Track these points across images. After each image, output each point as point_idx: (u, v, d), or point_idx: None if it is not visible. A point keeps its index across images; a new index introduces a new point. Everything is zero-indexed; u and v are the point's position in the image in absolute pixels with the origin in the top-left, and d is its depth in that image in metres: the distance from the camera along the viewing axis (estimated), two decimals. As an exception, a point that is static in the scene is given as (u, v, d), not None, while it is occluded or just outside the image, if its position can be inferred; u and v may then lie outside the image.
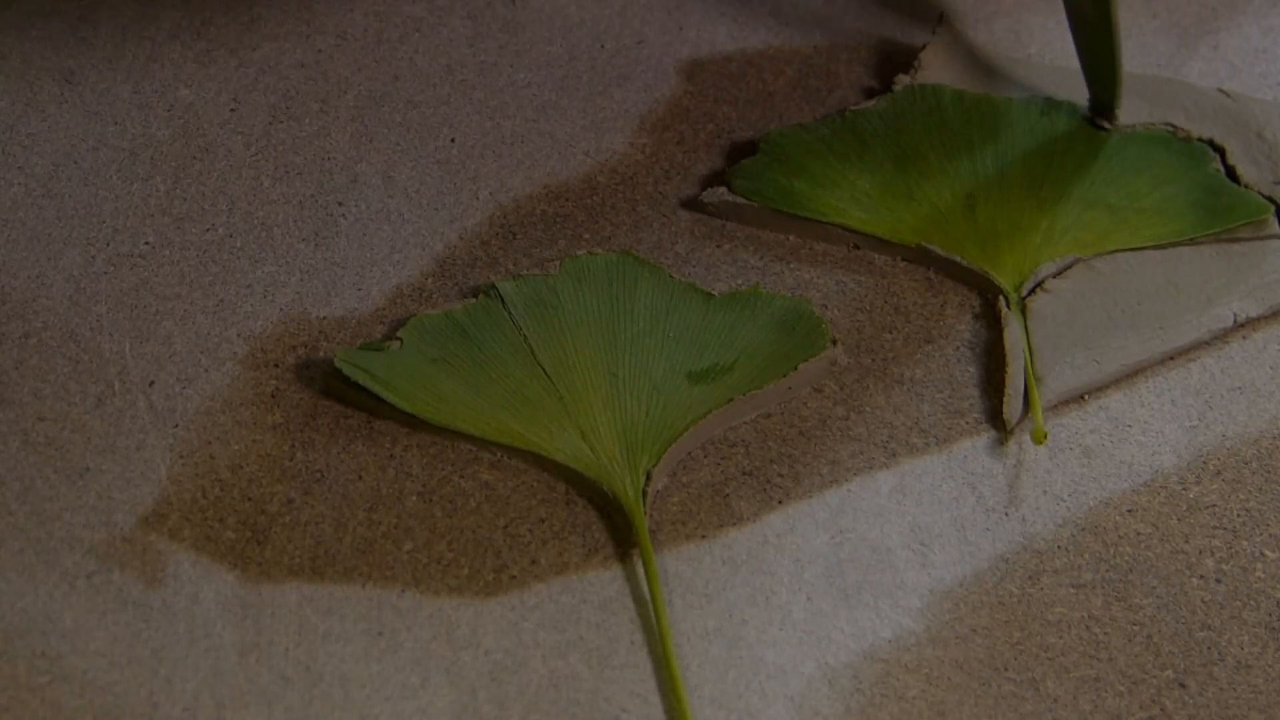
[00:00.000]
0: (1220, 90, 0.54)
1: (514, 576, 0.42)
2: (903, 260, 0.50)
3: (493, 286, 0.48)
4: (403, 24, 0.58)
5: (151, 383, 0.46)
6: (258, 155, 0.53)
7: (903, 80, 0.54)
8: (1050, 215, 0.50)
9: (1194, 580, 0.43)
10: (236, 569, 0.42)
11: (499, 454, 0.45)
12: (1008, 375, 0.46)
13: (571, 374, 0.46)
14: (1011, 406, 0.46)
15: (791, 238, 0.51)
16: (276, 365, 0.47)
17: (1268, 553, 0.43)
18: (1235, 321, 0.48)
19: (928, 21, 0.58)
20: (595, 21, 0.58)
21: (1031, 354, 0.47)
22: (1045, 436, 0.45)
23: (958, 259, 0.49)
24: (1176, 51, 0.57)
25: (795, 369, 0.46)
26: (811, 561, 0.43)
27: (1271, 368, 0.48)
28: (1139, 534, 0.44)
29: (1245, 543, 0.43)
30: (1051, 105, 0.53)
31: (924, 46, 0.56)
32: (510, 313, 0.47)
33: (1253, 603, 0.42)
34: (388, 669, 0.40)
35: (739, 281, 0.49)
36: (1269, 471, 0.45)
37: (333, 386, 0.46)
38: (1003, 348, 0.47)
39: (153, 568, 0.42)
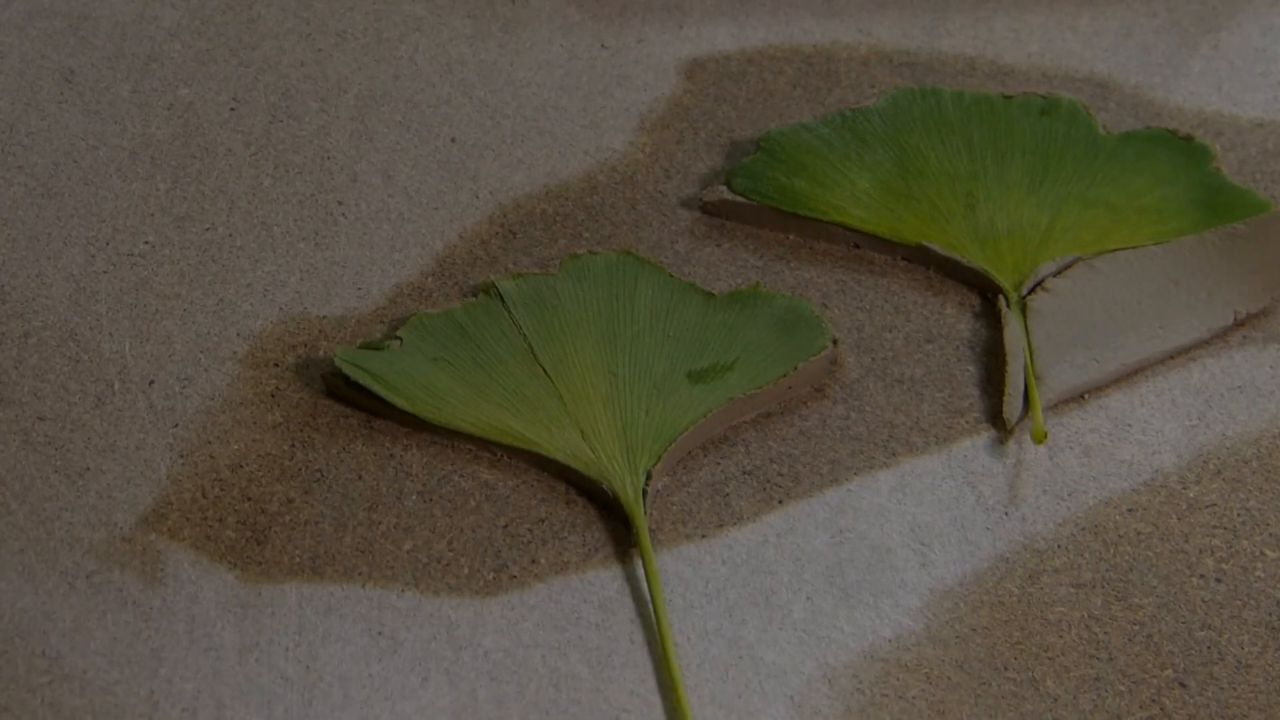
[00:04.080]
0: None
1: (514, 576, 0.42)
2: (903, 259, 0.50)
3: (493, 285, 0.48)
4: (403, 23, 0.58)
5: (151, 382, 0.46)
6: (258, 155, 0.53)
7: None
8: (1050, 215, 0.50)
9: (1194, 580, 0.43)
10: (236, 569, 0.42)
11: (499, 454, 0.45)
12: (1008, 375, 0.46)
13: (571, 373, 0.46)
14: (1011, 406, 0.46)
15: (791, 237, 0.51)
16: (276, 365, 0.47)
17: (1268, 552, 0.43)
18: (1235, 320, 0.48)
19: (927, 20, 0.58)
20: (595, 21, 0.58)
21: (1031, 353, 0.47)
22: (1045, 436, 0.45)
23: (958, 258, 0.49)
24: (1176, 51, 0.57)
25: (795, 369, 0.46)
26: (811, 561, 0.43)
27: (1272, 367, 0.48)
28: (1139, 533, 0.44)
29: (1245, 542, 0.43)
30: (1051, 105, 0.53)
31: None
32: (510, 312, 0.47)
33: (1253, 603, 0.42)
34: (388, 669, 0.40)
35: (739, 281, 0.49)
36: (1269, 471, 0.45)
37: (333, 386, 0.46)
38: (1003, 347, 0.47)
39: (153, 568, 0.42)
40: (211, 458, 0.45)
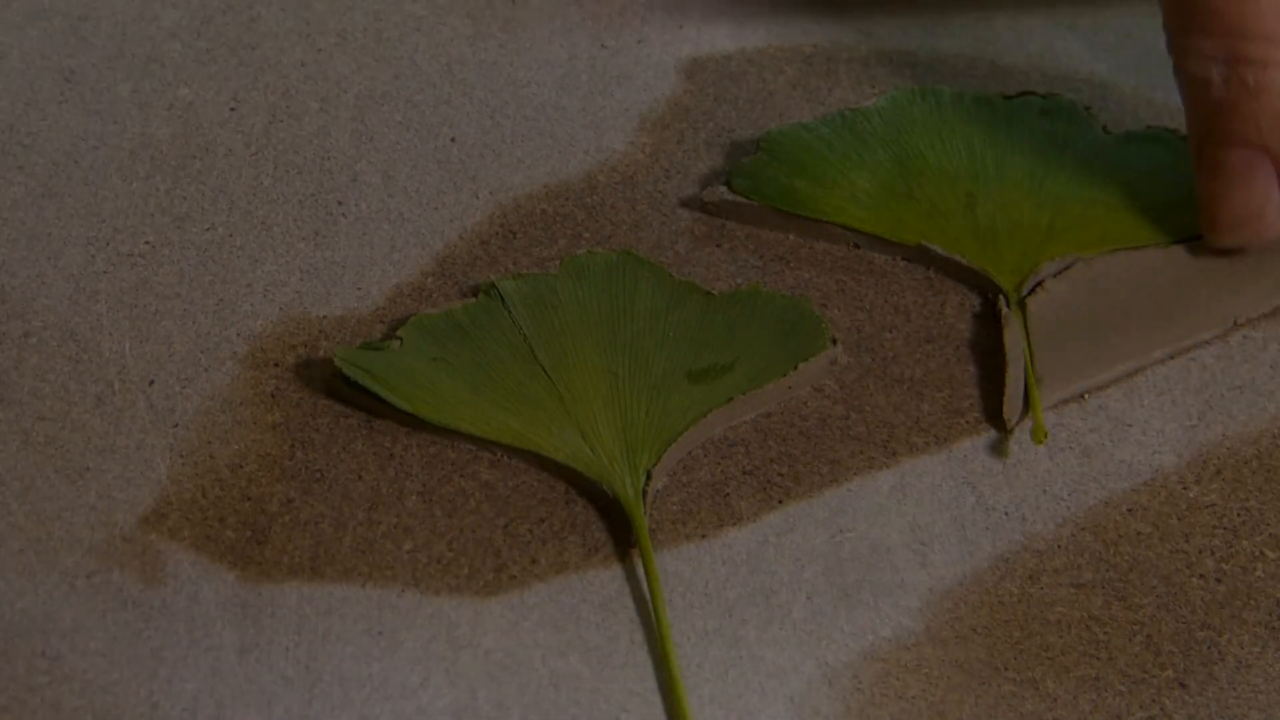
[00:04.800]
0: None
1: (514, 576, 0.42)
2: (903, 260, 0.50)
3: (493, 285, 0.48)
4: (403, 23, 0.58)
5: (151, 382, 0.46)
6: (258, 154, 0.53)
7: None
8: (1050, 215, 0.50)
9: (1194, 580, 0.43)
10: (236, 569, 0.42)
11: (499, 454, 0.45)
12: (1008, 375, 0.46)
13: (571, 373, 0.46)
14: (1011, 406, 0.46)
15: (791, 237, 0.51)
16: (276, 365, 0.47)
17: (1268, 552, 0.43)
18: (1235, 320, 0.48)
19: (927, 20, 0.58)
20: (595, 21, 0.58)
21: (1031, 354, 0.47)
22: (1045, 436, 0.45)
23: (958, 258, 0.49)
24: (1177, 51, 0.57)
25: (795, 368, 0.46)
26: (811, 561, 0.43)
27: (1272, 366, 0.48)
28: (1139, 533, 0.44)
29: (1245, 542, 0.43)
30: (1051, 105, 0.53)
31: None
32: (510, 312, 0.47)
33: (1253, 603, 0.42)
34: (388, 669, 0.40)
35: (739, 281, 0.49)
36: (1269, 471, 0.45)
37: (333, 386, 0.46)
38: (1003, 347, 0.47)
39: (153, 567, 0.42)
40: (211, 458, 0.45)
